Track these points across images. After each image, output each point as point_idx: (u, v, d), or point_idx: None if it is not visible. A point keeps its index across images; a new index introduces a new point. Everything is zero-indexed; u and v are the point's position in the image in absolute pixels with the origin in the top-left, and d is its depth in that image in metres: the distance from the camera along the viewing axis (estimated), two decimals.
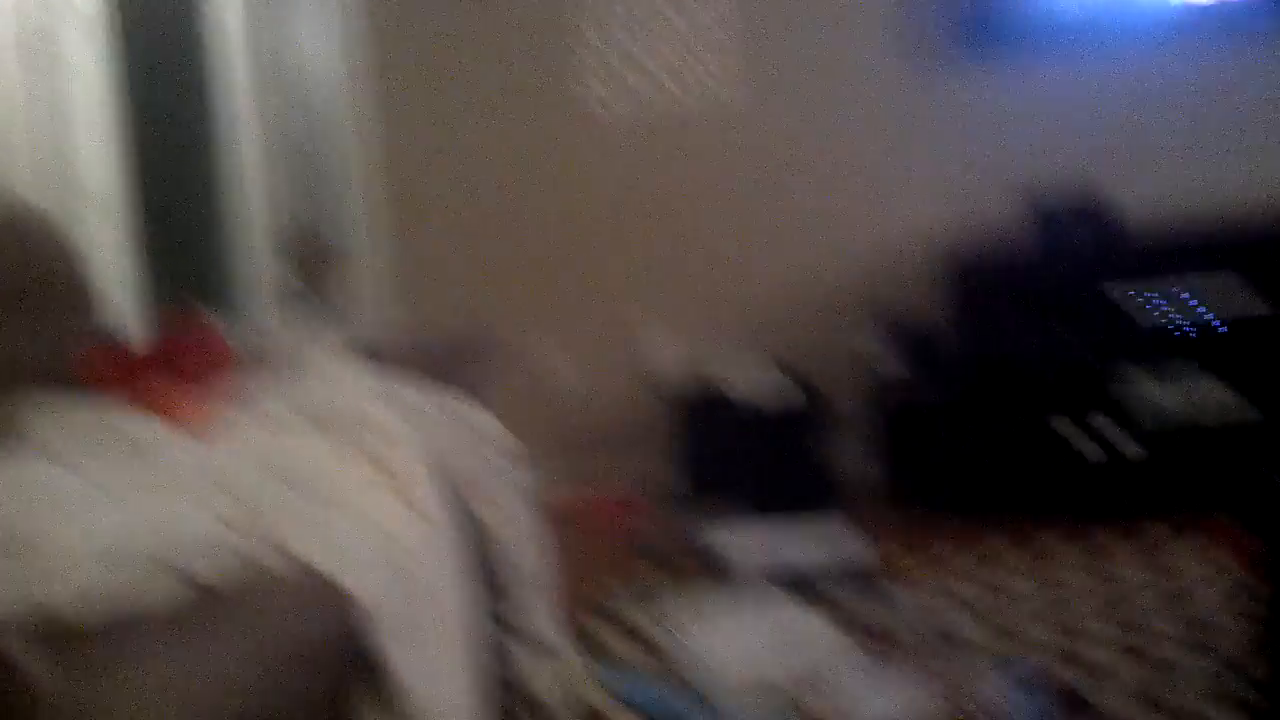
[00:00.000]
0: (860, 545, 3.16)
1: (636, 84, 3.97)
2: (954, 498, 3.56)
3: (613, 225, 4.06)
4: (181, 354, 2.19)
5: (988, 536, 3.37)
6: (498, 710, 2.27)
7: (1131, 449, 3.35)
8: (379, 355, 2.57)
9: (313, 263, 3.55)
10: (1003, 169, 3.79)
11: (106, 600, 1.43)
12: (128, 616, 1.43)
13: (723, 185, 3.99)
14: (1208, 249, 3.41)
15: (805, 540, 3.23)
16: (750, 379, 3.76)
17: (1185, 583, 2.93)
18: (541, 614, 2.34)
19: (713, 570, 3.17)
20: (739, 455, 3.69)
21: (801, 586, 3.07)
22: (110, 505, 1.67)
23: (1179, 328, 3.44)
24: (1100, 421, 3.39)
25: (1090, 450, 3.37)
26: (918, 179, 3.88)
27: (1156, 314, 3.43)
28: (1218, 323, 3.40)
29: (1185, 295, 3.41)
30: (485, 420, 2.37)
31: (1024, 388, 3.43)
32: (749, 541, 3.32)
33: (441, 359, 2.76)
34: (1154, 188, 3.69)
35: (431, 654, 1.73)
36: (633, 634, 2.98)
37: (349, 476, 1.88)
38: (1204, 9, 3.68)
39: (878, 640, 2.80)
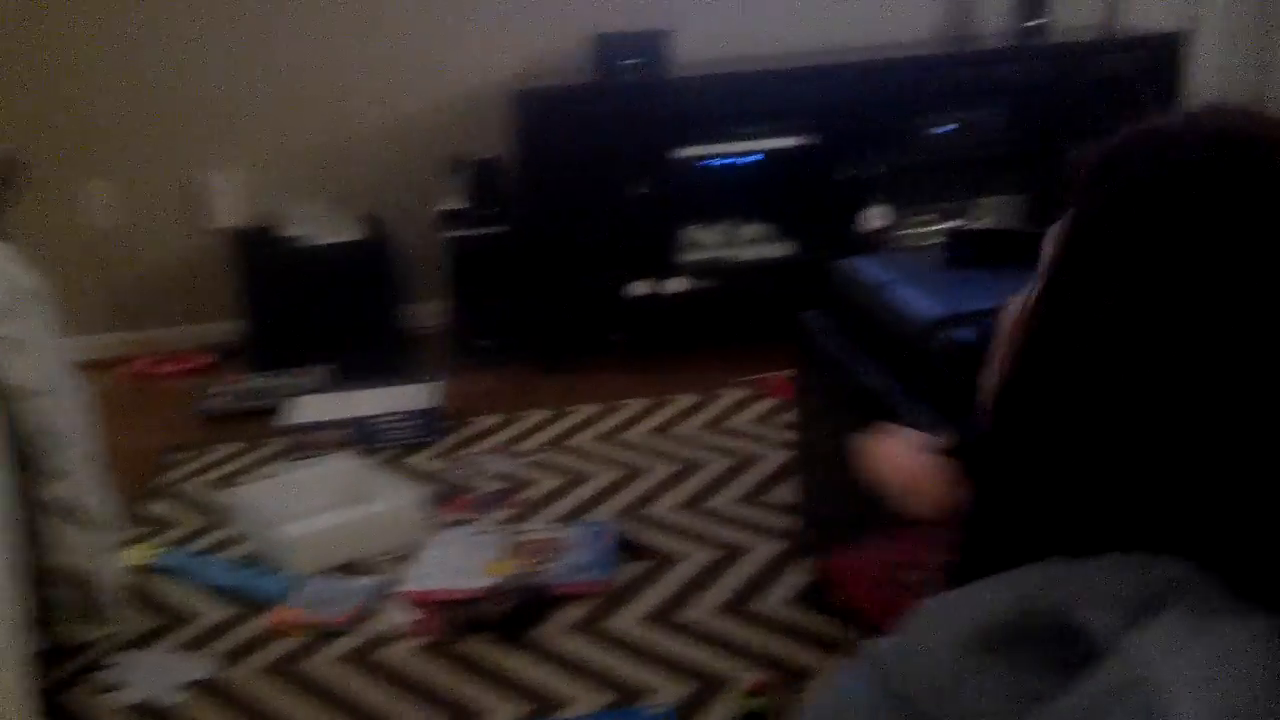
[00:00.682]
0: (435, 400, 3.13)
1: None
2: (520, 343, 3.60)
3: (173, 63, 3.73)
4: None
5: (555, 384, 3.43)
6: (33, 586, 2.10)
7: (682, 287, 3.49)
8: None
9: None
10: (570, 10, 3.77)
11: None
12: None
13: (284, 26, 3.74)
14: (756, 91, 3.55)
15: (379, 398, 3.16)
16: (316, 222, 3.61)
17: (737, 423, 3.11)
18: (83, 479, 2.16)
19: (281, 431, 3.05)
20: (306, 303, 3.55)
21: (375, 445, 3.02)
22: None
23: (724, 168, 3.61)
24: (653, 263, 3.50)
25: (644, 289, 3.47)
26: (484, 18, 3.80)
27: (707, 157, 3.56)
28: (757, 158, 3.58)
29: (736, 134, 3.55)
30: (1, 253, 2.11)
31: (583, 230, 3.48)
32: (321, 400, 3.21)
33: None
34: (705, 27, 3.80)
35: None
36: (191, 501, 2.84)
37: None
38: None
39: (453, 498, 2.80)
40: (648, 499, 2.68)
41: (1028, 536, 0.62)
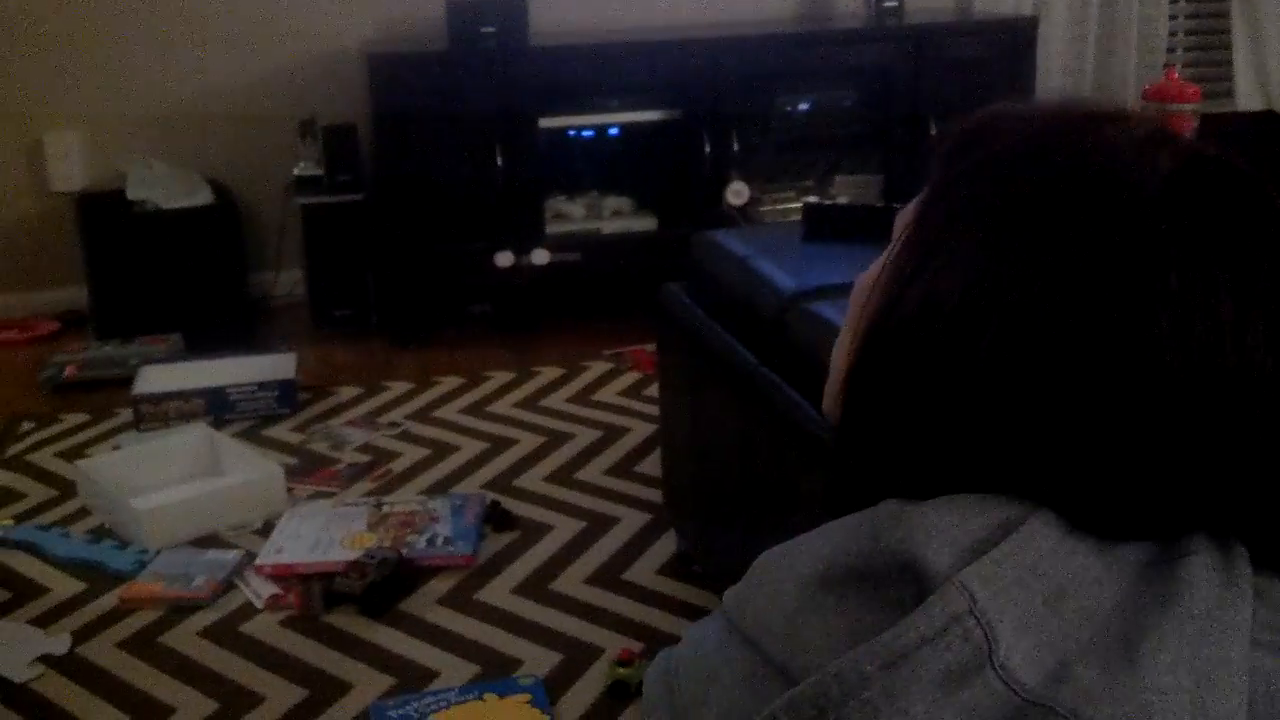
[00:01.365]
0: (291, 371, 3.07)
1: None
2: (379, 315, 3.56)
3: (9, 15, 3.56)
4: None
5: (417, 356, 3.40)
6: None
7: (545, 259, 3.48)
8: None
9: None
10: None
11: None
12: None
13: None
14: (616, 63, 3.55)
15: (232, 368, 3.08)
16: (164, 186, 3.49)
17: (602, 396, 3.12)
18: None
19: (131, 401, 2.96)
20: (153, 270, 3.43)
21: (229, 416, 2.96)
22: None
23: (586, 141, 3.62)
24: (517, 234, 3.49)
25: (507, 261, 3.46)
26: None
27: (568, 129, 3.57)
28: (618, 131, 3.60)
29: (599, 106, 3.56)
30: None
31: (443, 199, 3.44)
32: (172, 369, 3.12)
33: None
34: (567, 10, 3.79)
35: None
36: (38, 472, 2.74)
37: None
38: None
39: (313, 470, 2.77)
40: (515, 471, 2.68)
41: (878, 482, 0.64)
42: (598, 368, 3.24)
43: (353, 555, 2.26)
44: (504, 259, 3.45)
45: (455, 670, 1.99)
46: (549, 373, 3.22)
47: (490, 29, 3.47)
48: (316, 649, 2.06)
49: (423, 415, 2.99)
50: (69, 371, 3.22)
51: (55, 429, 2.96)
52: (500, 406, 3.02)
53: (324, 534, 2.38)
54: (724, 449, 2.06)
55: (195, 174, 3.60)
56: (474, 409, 3.01)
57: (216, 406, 2.95)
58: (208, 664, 2.03)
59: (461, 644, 2.06)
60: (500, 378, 3.19)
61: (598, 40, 3.62)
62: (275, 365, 3.10)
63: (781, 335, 1.84)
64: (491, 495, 2.54)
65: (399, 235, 3.44)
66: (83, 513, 2.54)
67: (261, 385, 2.99)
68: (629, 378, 3.16)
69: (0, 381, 3.28)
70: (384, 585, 2.18)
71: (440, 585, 2.23)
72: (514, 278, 3.48)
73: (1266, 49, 4.29)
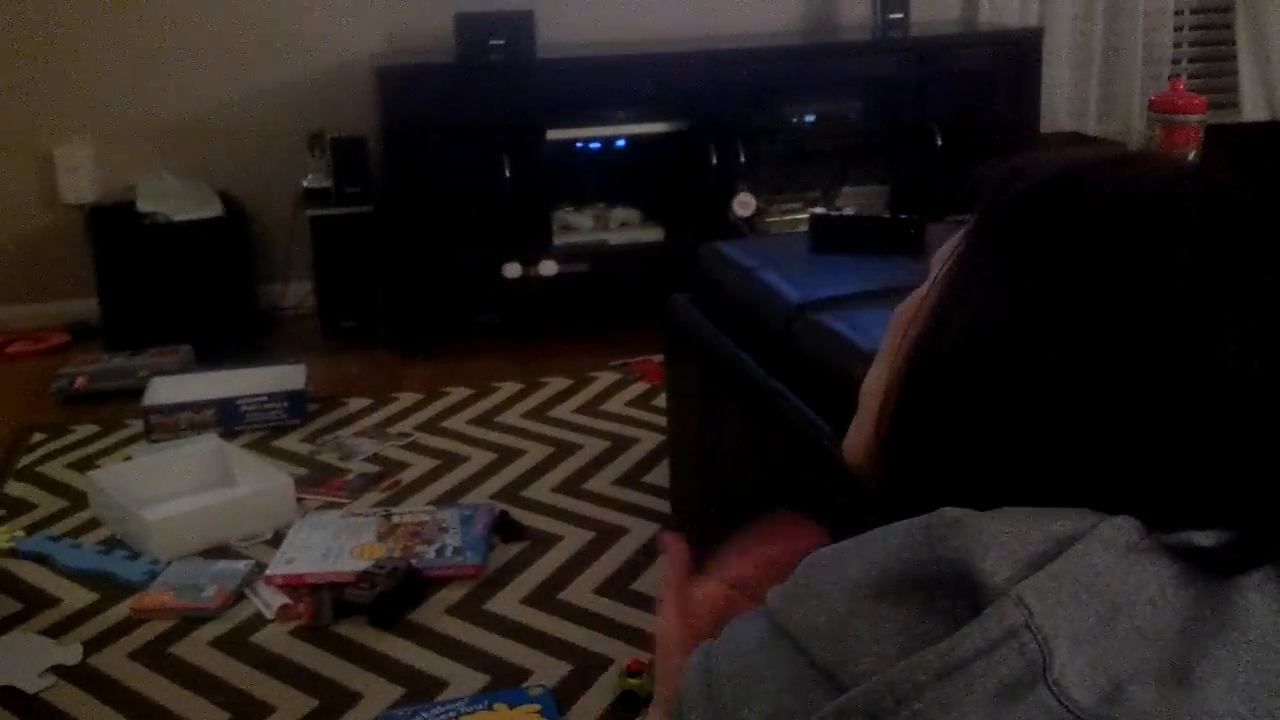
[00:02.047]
0: (301, 382, 3.08)
1: None
2: (387, 326, 3.58)
3: (23, 31, 3.59)
4: None
5: (425, 366, 3.42)
6: None
7: (553, 270, 3.50)
8: None
9: None
10: None
11: None
12: None
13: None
14: (623, 76, 3.57)
15: (242, 379, 3.10)
16: (174, 198, 3.51)
17: (610, 407, 3.13)
18: None
19: (141, 411, 2.97)
20: (163, 282, 3.45)
21: (239, 427, 2.97)
22: None
23: (593, 152, 3.63)
24: (524, 245, 3.50)
25: (515, 272, 3.47)
26: None
27: (576, 140, 3.58)
28: (626, 143, 3.61)
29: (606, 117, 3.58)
30: None
31: (451, 211, 3.46)
32: (182, 380, 3.14)
33: None
34: (568, 9, 3.80)
35: None
36: (50, 484, 2.76)
37: None
38: None
39: (323, 481, 2.78)
40: (523, 482, 2.69)
41: (932, 492, 0.64)
42: (605, 378, 3.25)
43: (362, 565, 2.27)
44: (512, 270, 3.47)
45: (465, 680, 2.00)
46: (557, 383, 3.23)
47: (498, 42, 3.49)
48: (327, 659, 2.07)
49: (431, 426, 3.00)
50: (79, 383, 3.23)
51: (66, 440, 2.97)
52: (508, 417, 3.03)
53: (334, 544, 2.39)
54: (732, 459, 2.07)
55: (205, 186, 3.62)
56: (482, 419, 3.02)
57: (227, 417, 2.97)
58: (218, 674, 2.04)
59: (471, 654, 2.07)
60: (508, 388, 3.20)
61: (604, 53, 3.64)
62: (285, 376, 3.11)
63: (789, 346, 1.85)
64: (500, 505, 2.55)
65: (407, 246, 3.46)
66: (94, 523, 2.55)
67: (271, 396, 3.01)
68: (637, 388, 3.17)
69: (11, 393, 3.30)
70: (394, 595, 2.18)
71: (450, 595, 2.24)
72: (522, 288, 3.50)
73: (1271, 60, 4.30)
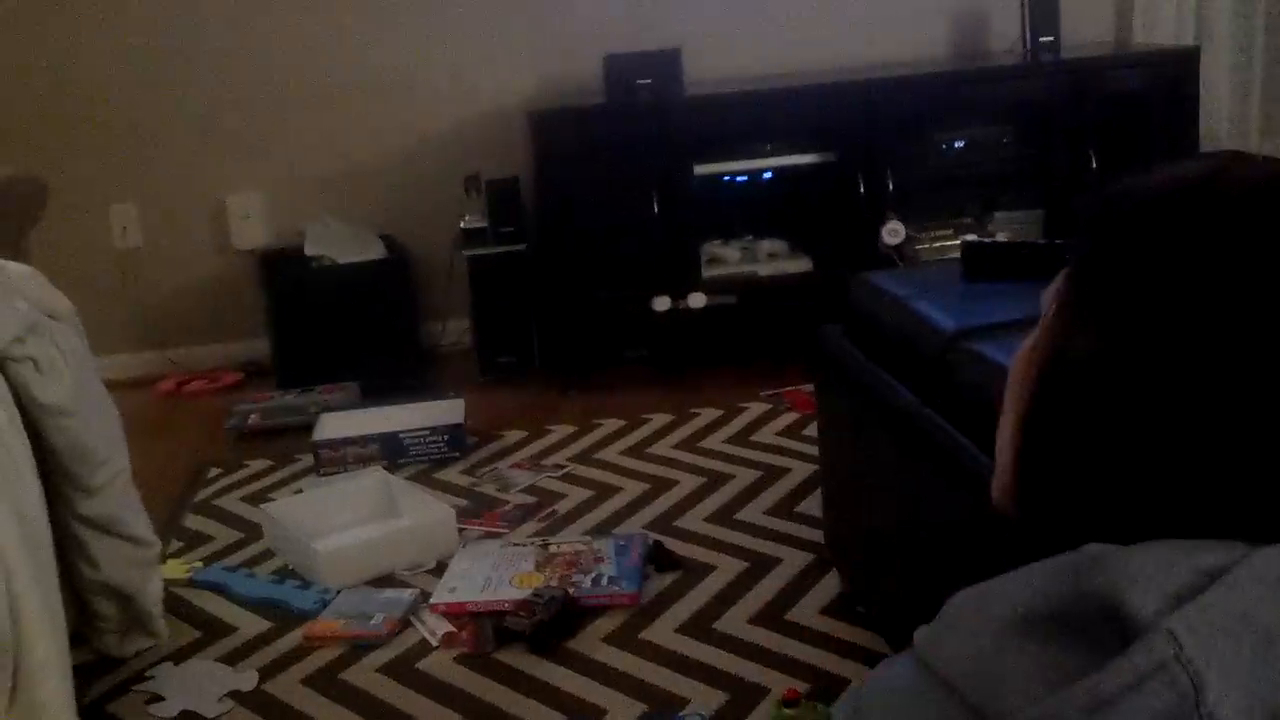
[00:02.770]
0: (460, 416, 3.17)
1: None
2: (541, 360, 3.65)
3: (197, 86, 3.79)
4: None
5: (578, 399, 3.48)
6: (75, 601, 2.15)
7: (702, 303, 3.53)
8: None
9: None
10: (586, 32, 3.82)
11: None
12: None
13: (309, 44, 3.81)
14: (769, 108, 3.59)
15: (404, 414, 3.20)
16: (339, 242, 3.66)
17: (761, 437, 3.14)
18: (117, 496, 2.20)
19: (310, 447, 3.10)
20: (330, 322, 3.60)
21: (402, 460, 3.07)
22: None
23: (741, 185, 3.66)
24: (674, 279, 3.54)
25: (665, 305, 3.51)
26: (500, 40, 3.86)
27: (723, 174, 3.61)
28: (773, 175, 3.63)
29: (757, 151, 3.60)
30: (24, 273, 2.13)
31: (602, 247, 3.52)
32: (348, 416, 3.26)
33: None
34: (715, 45, 3.84)
35: None
36: (225, 516, 2.89)
37: None
38: None
39: (482, 512, 2.84)
40: (676, 512, 2.71)
41: (1074, 528, 0.64)
42: (756, 408, 3.26)
43: (521, 594, 2.32)
44: (661, 303, 3.51)
45: (622, 707, 2.03)
46: (707, 414, 3.25)
47: (646, 81, 3.56)
48: (489, 686, 2.12)
49: (585, 457, 3.05)
50: (252, 420, 3.38)
51: (240, 475, 3.11)
52: (660, 448, 3.07)
53: (494, 573, 2.44)
54: (886, 490, 2.06)
55: (368, 230, 3.76)
56: (634, 450, 3.07)
57: (391, 451, 3.07)
58: (387, 699, 2.11)
59: (628, 682, 2.10)
60: (659, 420, 3.24)
61: (750, 86, 3.67)
62: (445, 411, 3.21)
63: (944, 375, 1.83)
64: (654, 535, 2.58)
65: (560, 283, 3.53)
66: (267, 554, 2.67)
67: (433, 430, 3.10)
68: (787, 418, 3.18)
69: (189, 430, 3.46)
70: (552, 624, 2.23)
71: (606, 624, 2.27)
72: (671, 321, 3.54)
73: None
